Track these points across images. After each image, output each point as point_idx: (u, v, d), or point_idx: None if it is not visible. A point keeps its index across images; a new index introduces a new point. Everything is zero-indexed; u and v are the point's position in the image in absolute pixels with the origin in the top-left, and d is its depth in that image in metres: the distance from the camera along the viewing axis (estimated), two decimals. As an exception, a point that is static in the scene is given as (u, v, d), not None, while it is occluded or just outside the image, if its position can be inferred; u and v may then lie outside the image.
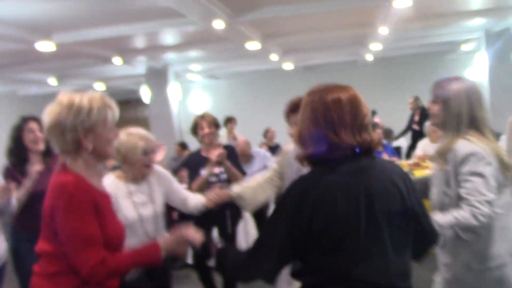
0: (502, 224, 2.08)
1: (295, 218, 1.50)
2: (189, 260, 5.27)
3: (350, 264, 1.51)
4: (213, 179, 3.82)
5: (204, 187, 3.69)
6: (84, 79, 10.75)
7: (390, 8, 5.58)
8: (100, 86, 11.86)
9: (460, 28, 8.25)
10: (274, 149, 8.47)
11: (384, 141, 7.78)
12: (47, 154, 3.40)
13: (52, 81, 9.91)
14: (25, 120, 3.43)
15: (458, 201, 2.03)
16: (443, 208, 2.11)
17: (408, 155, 8.47)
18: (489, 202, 1.96)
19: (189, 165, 4.08)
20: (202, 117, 4.02)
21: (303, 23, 6.84)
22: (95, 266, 1.77)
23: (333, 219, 1.48)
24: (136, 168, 2.69)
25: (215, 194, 2.99)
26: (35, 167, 3.27)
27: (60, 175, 1.87)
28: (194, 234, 1.98)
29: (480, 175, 1.99)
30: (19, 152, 3.37)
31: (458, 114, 2.14)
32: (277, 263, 1.56)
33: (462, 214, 1.96)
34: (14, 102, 12.22)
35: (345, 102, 1.56)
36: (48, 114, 1.85)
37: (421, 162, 6.43)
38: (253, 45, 7.37)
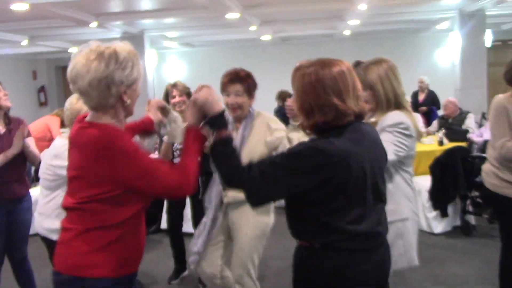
0: (407, 188, 2.51)
1: (311, 179, 1.71)
2: (164, 225, 5.38)
3: (358, 220, 1.77)
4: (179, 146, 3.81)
5: (170, 154, 3.69)
6: (58, 41, 10.52)
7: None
8: (73, 49, 11.63)
9: (435, 7, 8.35)
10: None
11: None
12: (6, 117, 3.43)
13: (24, 41, 9.68)
14: None
15: None
16: None
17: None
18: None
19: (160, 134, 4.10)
20: (174, 85, 4.06)
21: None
22: (182, 179, 1.80)
23: (347, 183, 1.72)
24: None
25: None
26: (16, 141, 3.31)
27: (91, 129, 1.78)
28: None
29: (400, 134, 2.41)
30: None
31: (386, 96, 2.49)
32: (272, 198, 1.88)
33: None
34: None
35: (347, 74, 1.78)
36: (91, 67, 1.74)
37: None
38: (232, 15, 7.34)
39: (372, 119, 2.52)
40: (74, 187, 1.84)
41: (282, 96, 7.78)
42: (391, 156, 2.25)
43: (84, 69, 1.74)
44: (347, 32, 10.50)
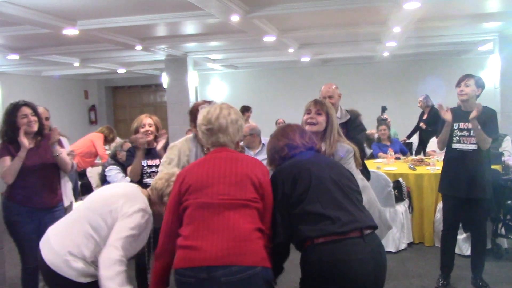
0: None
1: (284, 190, 2.38)
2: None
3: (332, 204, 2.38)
4: (153, 169, 4.08)
5: (138, 175, 4.03)
6: (107, 63, 11.09)
7: (400, 9, 5.75)
8: (121, 70, 12.22)
9: (475, 30, 8.33)
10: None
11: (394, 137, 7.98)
12: (39, 134, 3.78)
13: (76, 63, 10.28)
14: (17, 105, 3.76)
15: None
16: None
17: (417, 152, 8.66)
18: None
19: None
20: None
21: (318, 19, 7.03)
22: None
23: (311, 178, 2.38)
24: None
25: None
26: (24, 140, 3.66)
27: (241, 153, 2.53)
28: None
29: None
30: (12, 133, 3.72)
31: (336, 126, 3.16)
32: (288, 230, 2.35)
33: None
34: (38, 81, 12.67)
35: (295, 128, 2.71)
36: (233, 112, 2.49)
37: (426, 158, 6.66)
38: (269, 38, 7.60)
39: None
40: (239, 189, 2.30)
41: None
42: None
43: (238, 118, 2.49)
44: (386, 54, 10.55)
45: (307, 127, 3.08)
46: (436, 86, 9.98)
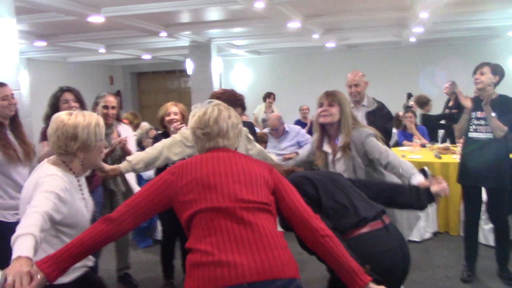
0: None
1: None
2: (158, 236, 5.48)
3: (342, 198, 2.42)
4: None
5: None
6: (131, 49, 11.16)
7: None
8: (146, 56, 12.29)
9: (504, 14, 8.10)
10: (305, 125, 8.77)
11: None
12: None
13: (101, 50, 10.38)
14: (61, 90, 3.83)
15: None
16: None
17: (444, 139, 8.52)
18: None
19: None
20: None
21: (343, 5, 6.94)
22: None
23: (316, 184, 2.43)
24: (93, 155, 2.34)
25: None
26: None
27: (247, 155, 2.22)
28: None
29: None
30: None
31: (350, 114, 3.12)
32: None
33: None
34: (65, 67, 12.84)
35: None
36: (232, 115, 2.22)
37: (452, 146, 6.55)
38: (293, 25, 7.53)
39: None
40: (257, 189, 2.03)
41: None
42: None
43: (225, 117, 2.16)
44: (413, 39, 10.36)
45: (321, 120, 3.11)
46: (463, 72, 9.78)
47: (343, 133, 3.09)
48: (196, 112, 2.18)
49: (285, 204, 2.05)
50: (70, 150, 2.22)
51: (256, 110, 10.35)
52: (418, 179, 2.76)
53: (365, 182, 2.71)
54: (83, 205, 2.30)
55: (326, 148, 3.21)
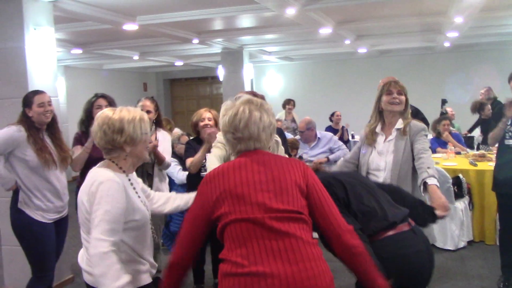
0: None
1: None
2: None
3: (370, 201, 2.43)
4: None
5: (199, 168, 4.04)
6: (165, 56, 11.33)
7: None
8: (179, 63, 12.46)
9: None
10: (337, 132, 8.72)
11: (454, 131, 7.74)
12: None
13: (136, 57, 10.57)
14: (96, 96, 3.95)
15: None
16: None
17: (479, 146, 8.34)
18: None
19: None
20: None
21: (376, 10, 6.89)
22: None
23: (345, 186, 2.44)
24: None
25: None
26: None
27: (279, 155, 2.16)
28: None
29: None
30: (88, 123, 3.86)
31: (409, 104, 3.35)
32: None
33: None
34: (100, 74, 13.13)
35: None
36: (264, 114, 2.07)
37: (488, 154, 6.41)
38: (325, 31, 7.52)
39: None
40: (288, 197, 1.95)
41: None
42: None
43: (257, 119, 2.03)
44: (447, 44, 10.20)
45: (390, 107, 3.29)
46: (498, 78, 9.57)
47: (405, 119, 3.30)
48: (227, 111, 2.07)
49: (318, 214, 1.99)
50: (117, 144, 2.22)
51: (277, 116, 10.33)
52: (432, 182, 2.88)
53: (390, 186, 2.78)
54: (139, 201, 2.31)
55: (379, 130, 3.36)
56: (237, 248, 1.86)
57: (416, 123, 3.31)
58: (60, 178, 3.61)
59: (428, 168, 2.97)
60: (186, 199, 2.60)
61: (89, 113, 3.91)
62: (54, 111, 3.66)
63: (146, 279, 2.29)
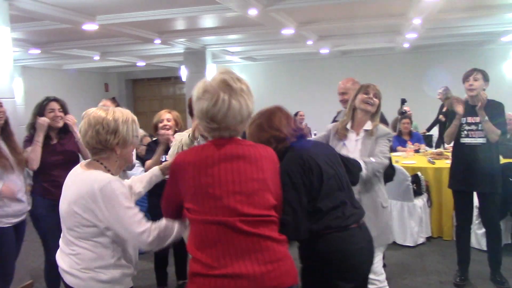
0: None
1: (303, 182, 2.27)
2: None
3: (338, 198, 2.40)
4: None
5: None
6: (126, 56, 11.18)
7: (420, 0, 5.68)
8: (141, 63, 12.31)
9: (498, 20, 8.17)
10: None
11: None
12: (63, 131, 3.85)
13: (96, 57, 10.39)
14: (48, 100, 3.86)
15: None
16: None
17: (438, 145, 8.57)
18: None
19: None
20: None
21: (337, 11, 6.98)
22: None
23: (322, 174, 2.34)
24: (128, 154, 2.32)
25: None
26: (52, 141, 3.78)
27: (254, 145, 2.07)
28: None
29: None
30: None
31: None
32: (307, 221, 2.28)
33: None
34: (60, 75, 12.84)
35: (281, 116, 2.47)
36: (247, 104, 2.01)
37: (445, 152, 6.59)
38: (287, 31, 7.57)
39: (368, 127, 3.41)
40: (259, 199, 1.95)
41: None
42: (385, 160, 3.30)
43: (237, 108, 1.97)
44: (406, 45, 10.43)
45: (363, 106, 3.42)
46: (457, 77, 9.84)
47: (375, 121, 3.44)
48: (204, 95, 1.97)
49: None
50: (109, 145, 2.17)
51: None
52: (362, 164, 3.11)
53: (348, 157, 2.88)
54: None
55: (349, 127, 3.50)
56: (207, 248, 1.88)
57: (383, 128, 3.44)
58: (16, 181, 3.52)
59: (369, 159, 3.23)
60: (144, 183, 2.53)
61: (40, 117, 3.81)
62: (6, 113, 3.57)
63: (130, 282, 2.28)
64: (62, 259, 2.23)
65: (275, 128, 2.39)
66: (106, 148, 2.19)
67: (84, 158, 3.96)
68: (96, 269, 2.11)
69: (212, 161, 1.93)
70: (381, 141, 3.36)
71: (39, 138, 3.70)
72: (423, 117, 9.65)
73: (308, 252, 2.40)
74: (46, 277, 3.98)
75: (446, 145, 5.55)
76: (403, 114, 7.97)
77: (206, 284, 1.85)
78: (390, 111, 9.96)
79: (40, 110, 3.80)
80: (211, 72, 10.36)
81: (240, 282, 1.82)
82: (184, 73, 10.50)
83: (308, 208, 2.30)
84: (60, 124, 3.80)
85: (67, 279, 2.19)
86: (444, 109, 8.58)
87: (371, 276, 3.01)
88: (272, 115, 2.44)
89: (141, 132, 6.35)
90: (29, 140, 3.78)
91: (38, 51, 8.79)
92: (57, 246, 3.85)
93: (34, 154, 3.69)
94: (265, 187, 1.96)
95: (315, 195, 2.33)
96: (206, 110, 1.95)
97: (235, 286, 1.82)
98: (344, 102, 4.37)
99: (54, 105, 3.81)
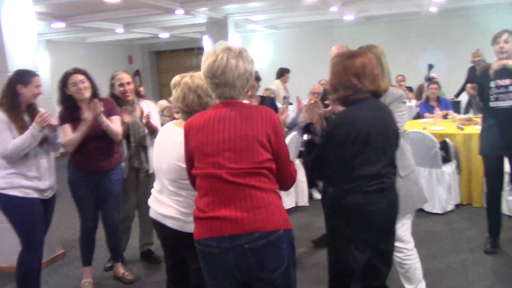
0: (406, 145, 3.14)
1: (344, 143, 2.36)
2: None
3: (378, 166, 2.43)
4: None
5: None
6: (149, 27, 11.15)
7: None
8: (164, 35, 12.27)
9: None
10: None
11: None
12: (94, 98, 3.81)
13: (119, 29, 10.39)
14: (67, 75, 3.79)
15: None
16: None
17: (466, 111, 8.38)
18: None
19: None
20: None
21: (361, -25, 6.81)
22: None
23: (369, 142, 2.37)
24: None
25: None
26: (87, 114, 3.70)
27: (248, 107, 2.25)
28: None
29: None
30: (66, 101, 3.81)
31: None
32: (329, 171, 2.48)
33: None
34: (84, 48, 12.91)
35: (366, 63, 2.44)
36: (241, 62, 2.19)
37: (474, 117, 6.43)
38: (311, -3, 7.42)
39: None
40: (248, 154, 2.15)
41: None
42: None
43: (240, 64, 2.19)
44: (434, 9, 10.12)
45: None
46: (485, 41, 9.55)
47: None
48: (207, 58, 2.22)
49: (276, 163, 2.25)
50: (201, 106, 2.50)
51: (273, 87, 10.20)
52: None
53: None
54: None
55: None
56: (202, 197, 2.21)
57: (392, 90, 3.16)
58: (40, 155, 3.54)
59: None
60: None
61: (64, 92, 3.78)
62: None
63: None
64: (163, 207, 2.60)
65: (359, 78, 2.42)
66: (194, 111, 2.47)
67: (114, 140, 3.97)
68: None
69: (208, 122, 2.21)
70: (393, 108, 3.04)
71: (85, 129, 3.71)
72: (452, 84, 9.40)
73: (332, 208, 2.54)
74: (80, 244, 4.08)
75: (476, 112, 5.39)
76: (430, 80, 7.80)
77: (200, 224, 2.20)
78: (417, 78, 9.81)
79: (63, 84, 3.77)
80: (234, 41, 10.26)
81: (224, 224, 2.11)
82: (206, 43, 10.43)
83: (344, 168, 2.40)
84: (86, 95, 3.77)
85: (170, 223, 2.55)
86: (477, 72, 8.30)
87: (398, 244, 2.99)
88: (365, 63, 2.44)
89: (164, 103, 6.35)
90: (63, 117, 3.76)
91: (62, 25, 8.81)
92: (90, 213, 3.97)
93: (75, 142, 3.73)
94: (256, 143, 2.15)
95: (352, 158, 2.38)
96: (208, 67, 2.21)
97: (220, 226, 2.12)
98: None
99: (76, 78, 3.74)
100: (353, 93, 2.41)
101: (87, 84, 3.76)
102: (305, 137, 5.69)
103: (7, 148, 3.34)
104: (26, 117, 3.52)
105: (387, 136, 2.47)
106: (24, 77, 3.47)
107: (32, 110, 3.56)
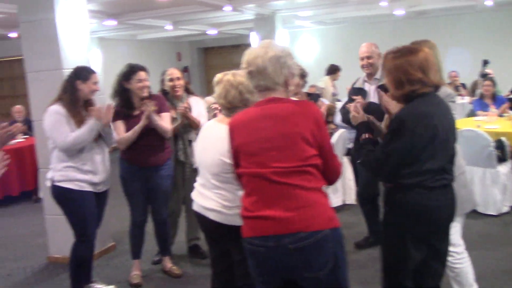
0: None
1: (414, 138, 2.30)
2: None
3: (442, 160, 2.39)
4: None
5: None
6: (197, 24, 11.27)
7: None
8: (212, 31, 12.37)
9: None
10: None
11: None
12: (147, 98, 3.87)
13: (168, 26, 10.54)
14: (133, 69, 3.84)
15: None
16: None
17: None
18: None
19: None
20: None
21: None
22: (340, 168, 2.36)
23: (436, 136, 2.33)
24: None
25: None
26: (146, 107, 3.77)
27: (290, 103, 2.23)
28: None
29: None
30: (123, 95, 3.87)
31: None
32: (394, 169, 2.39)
33: None
34: (134, 45, 13.19)
35: (428, 57, 2.40)
36: (270, 49, 2.24)
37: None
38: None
39: None
40: (292, 152, 2.14)
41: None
42: None
43: (267, 49, 2.24)
44: (489, 3, 9.74)
45: None
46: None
47: None
48: (248, 50, 2.33)
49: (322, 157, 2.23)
50: (242, 103, 2.56)
51: (322, 83, 10.09)
52: None
53: None
54: None
55: None
56: (248, 196, 2.24)
57: (441, 88, 3.00)
58: (95, 150, 3.63)
59: None
60: None
61: (123, 86, 3.87)
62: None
63: None
64: (206, 200, 2.65)
65: (425, 72, 2.38)
66: (236, 107, 2.56)
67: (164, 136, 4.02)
68: (239, 207, 2.36)
69: (250, 121, 2.25)
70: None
71: (140, 129, 3.79)
72: (508, 80, 9.05)
73: (391, 203, 2.49)
74: (130, 237, 4.17)
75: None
76: (485, 76, 7.53)
77: (246, 223, 2.24)
78: (470, 74, 9.49)
79: (127, 78, 3.83)
80: (281, 38, 10.23)
81: (269, 223, 2.13)
82: (254, 39, 10.44)
83: (408, 164, 2.35)
84: (146, 93, 3.86)
85: (212, 215, 2.60)
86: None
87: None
88: (427, 56, 2.41)
89: (211, 99, 6.39)
90: (117, 114, 3.81)
91: (113, 22, 9.02)
92: (140, 208, 4.04)
93: (129, 140, 3.82)
94: (299, 140, 2.13)
95: (420, 152, 2.34)
96: (244, 57, 2.31)
97: (265, 226, 2.14)
98: (367, 66, 4.16)
99: (142, 75, 3.81)
100: (420, 87, 2.37)
101: (148, 83, 3.85)
102: (363, 136, 5.54)
103: (67, 141, 3.45)
104: (84, 112, 3.62)
105: (450, 130, 2.44)
106: (83, 73, 3.58)
107: (89, 105, 3.66)
